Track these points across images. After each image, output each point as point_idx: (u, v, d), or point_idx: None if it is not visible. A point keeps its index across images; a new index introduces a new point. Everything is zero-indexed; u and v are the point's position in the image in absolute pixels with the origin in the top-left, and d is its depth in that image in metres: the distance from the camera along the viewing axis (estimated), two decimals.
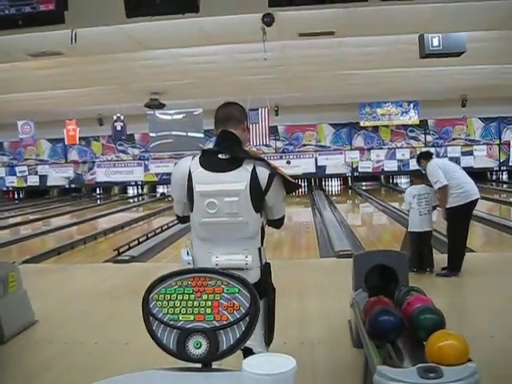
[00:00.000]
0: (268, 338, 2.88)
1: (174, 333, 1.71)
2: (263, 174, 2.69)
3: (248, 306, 1.68)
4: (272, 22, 7.42)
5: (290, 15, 7.50)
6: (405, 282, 4.41)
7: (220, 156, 2.72)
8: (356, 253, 5.60)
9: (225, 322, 1.67)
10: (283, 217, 2.93)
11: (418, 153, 8.64)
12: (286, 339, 4.65)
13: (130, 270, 7.97)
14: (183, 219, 2.94)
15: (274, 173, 2.71)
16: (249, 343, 2.73)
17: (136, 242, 10.62)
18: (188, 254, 2.78)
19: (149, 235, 11.60)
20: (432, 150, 21.83)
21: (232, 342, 1.66)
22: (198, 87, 14.92)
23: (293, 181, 2.82)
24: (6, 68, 11.28)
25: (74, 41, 6.73)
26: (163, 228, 12.32)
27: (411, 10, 7.35)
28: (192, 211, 2.78)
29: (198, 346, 1.66)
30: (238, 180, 2.66)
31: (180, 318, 1.71)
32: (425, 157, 7.23)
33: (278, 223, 2.94)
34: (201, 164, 2.74)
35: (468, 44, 9.09)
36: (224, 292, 1.74)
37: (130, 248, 10.04)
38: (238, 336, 1.66)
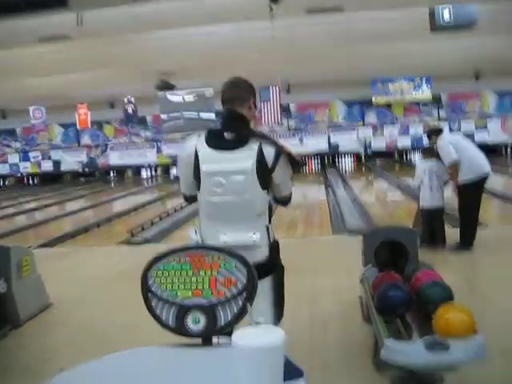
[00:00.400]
0: (278, 315, 2.87)
1: (173, 309, 1.72)
2: (269, 151, 2.68)
3: (245, 281, 1.69)
4: None
5: None
6: (414, 257, 4.39)
7: (225, 135, 2.70)
8: (366, 229, 5.60)
9: (222, 298, 1.68)
10: (290, 194, 2.92)
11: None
12: (298, 316, 4.67)
13: (143, 251, 8.02)
14: (190, 198, 2.95)
15: (280, 151, 2.70)
16: (259, 319, 2.77)
17: (149, 224, 10.69)
18: (196, 233, 2.78)
19: (162, 216, 11.69)
20: (445, 124, 21.62)
21: (230, 318, 1.67)
22: (207, 67, 14.87)
23: (298, 159, 2.81)
24: (15, 54, 11.32)
25: (80, 23, 6.72)
26: (176, 209, 12.37)
27: None
28: (199, 190, 2.78)
29: (196, 322, 1.67)
30: (244, 158, 2.65)
31: (178, 294, 1.72)
32: (435, 133, 7.13)
33: (285, 200, 2.94)
34: (207, 143, 2.73)
35: (479, 16, 8.94)
36: (221, 267, 1.75)
37: (143, 230, 10.12)
38: (236, 311, 1.67)
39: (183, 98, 19.01)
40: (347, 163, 24.01)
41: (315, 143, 23.01)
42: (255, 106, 2.92)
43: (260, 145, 2.67)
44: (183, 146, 2.82)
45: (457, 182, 6.75)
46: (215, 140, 2.72)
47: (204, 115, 18.59)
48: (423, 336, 2.93)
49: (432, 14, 9.00)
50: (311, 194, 15.96)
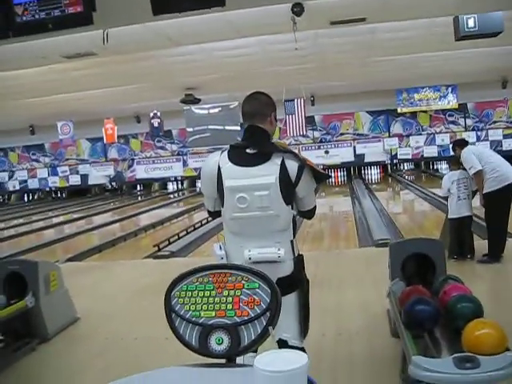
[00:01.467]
0: (303, 330, 2.86)
1: (196, 329, 1.71)
2: (292, 166, 2.68)
3: (269, 300, 1.68)
4: (302, 11, 7.36)
5: (319, 4, 7.42)
6: (442, 270, 4.32)
7: (248, 150, 2.71)
8: (392, 241, 5.53)
9: (246, 318, 1.67)
10: (314, 207, 2.92)
11: (457, 137, 8.44)
12: (324, 330, 4.64)
13: (170, 265, 8.06)
14: (214, 214, 2.96)
15: (304, 164, 2.70)
16: (284, 335, 2.77)
17: (176, 238, 10.72)
18: (221, 248, 2.79)
19: (189, 230, 11.73)
20: (472, 134, 21.36)
21: (253, 337, 1.65)
22: (232, 80, 14.95)
23: (322, 171, 2.83)
24: (43, 71, 11.51)
25: (106, 41, 6.80)
26: (203, 222, 12.40)
27: None
28: (223, 206, 2.78)
29: (219, 342, 1.66)
30: (267, 173, 2.65)
31: (201, 315, 1.71)
32: (459, 144, 7.13)
33: (309, 214, 2.94)
34: (229, 159, 2.73)
35: (505, 23, 8.83)
36: (244, 288, 1.74)
37: (169, 243, 10.16)
38: (260, 331, 1.65)
39: (208, 111, 19.10)
40: (373, 174, 23.98)
41: (341, 154, 22.98)
42: (276, 120, 2.93)
43: (283, 159, 2.67)
44: (206, 162, 2.84)
45: (482, 191, 6.69)
46: (238, 156, 2.73)
47: (229, 128, 18.64)
48: (452, 352, 2.87)
49: (456, 23, 8.90)
50: (337, 205, 15.88)
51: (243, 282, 1.76)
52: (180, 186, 25.51)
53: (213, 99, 18.02)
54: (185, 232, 11.43)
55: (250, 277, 1.76)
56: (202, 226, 12.26)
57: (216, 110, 19.04)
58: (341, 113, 22.71)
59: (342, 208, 14.97)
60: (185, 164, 24.46)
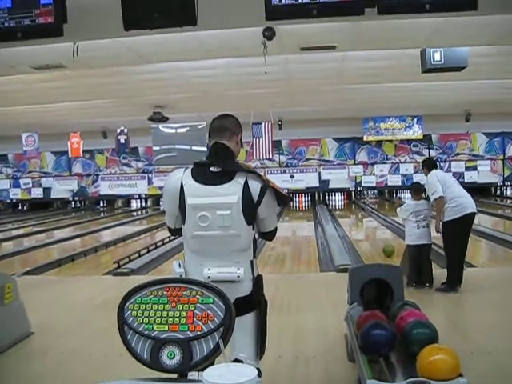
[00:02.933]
0: (260, 351, 2.86)
1: (148, 343, 1.69)
2: (255, 186, 2.71)
3: (223, 316, 1.66)
4: (273, 35, 7.45)
5: (291, 29, 7.52)
6: (400, 296, 4.36)
7: (212, 169, 2.73)
8: (351, 266, 5.56)
9: (199, 333, 1.66)
10: (275, 229, 2.95)
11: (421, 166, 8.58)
12: (281, 353, 4.62)
13: (128, 282, 7.89)
14: (175, 232, 2.95)
15: (266, 185, 2.73)
16: (240, 355, 2.76)
17: (137, 255, 10.61)
18: (180, 266, 2.78)
19: (150, 248, 11.61)
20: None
21: (206, 353, 1.64)
22: (200, 100, 14.96)
23: (284, 193, 2.84)
24: (11, 81, 11.37)
25: (75, 54, 6.76)
26: (165, 241, 12.30)
27: (413, 24, 7.35)
28: (184, 224, 2.77)
29: (171, 356, 1.64)
30: (230, 193, 2.67)
31: (154, 328, 1.70)
32: (427, 165, 7.25)
33: (270, 235, 2.97)
34: (193, 176, 2.75)
35: (470, 59, 9.09)
36: (199, 302, 1.75)
37: (130, 261, 10.03)
38: (212, 346, 1.64)
39: (176, 131, 19.06)
40: (337, 200, 24.12)
41: (306, 179, 23.25)
42: (241, 143, 3.00)
43: (246, 179, 2.70)
44: (169, 178, 2.84)
45: (440, 218, 6.80)
46: (201, 174, 2.75)
47: (196, 148, 18.61)
48: (407, 377, 2.90)
49: (423, 56, 9.13)
50: (300, 230, 15.93)
51: (198, 296, 1.77)
52: (144, 203, 25.24)
53: (181, 118, 18.01)
54: (146, 250, 11.30)
55: (204, 292, 1.76)
56: (163, 244, 12.16)
57: (183, 130, 19.00)
58: (308, 138, 23.02)
59: (305, 233, 15.01)
60: (150, 182, 24.30)
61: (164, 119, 17.10)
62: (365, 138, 22.37)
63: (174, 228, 2.94)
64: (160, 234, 14.48)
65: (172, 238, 12.14)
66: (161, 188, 22.52)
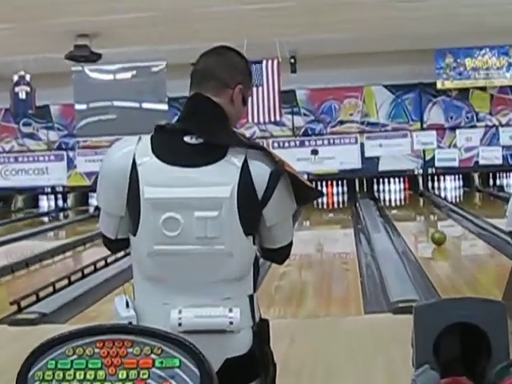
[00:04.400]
0: None
1: None
2: (261, 171, 1.76)
3: None
4: None
5: None
6: (503, 351, 3.49)
7: (187, 139, 1.76)
8: (418, 303, 4.43)
9: None
10: (290, 244, 1.96)
11: None
12: None
13: (37, 335, 6.01)
14: (116, 245, 1.96)
15: (280, 170, 1.78)
16: None
17: (50, 290, 7.31)
18: (128, 306, 1.80)
19: (72, 278, 7.99)
20: None
21: None
22: (157, 25, 9.79)
23: (310, 185, 1.90)
24: None
25: None
26: (97, 266, 8.60)
27: None
28: (136, 233, 1.82)
29: None
30: (218, 181, 1.74)
31: None
32: None
33: (280, 255, 1.97)
34: (154, 151, 1.78)
35: None
36: (155, 366, 1.32)
37: (38, 300, 7.60)
38: None
39: (114, 77, 12.76)
40: (393, 191, 16.28)
41: (339, 157, 15.26)
42: (244, 101, 1.91)
43: (245, 159, 1.77)
44: (110, 154, 1.89)
45: None
46: (170, 146, 1.81)
47: (150, 105, 12.57)
48: None
49: None
50: (330, 243, 11.19)
51: (153, 355, 1.33)
52: (61, 202, 16.96)
53: (122, 56, 12.01)
54: (66, 281, 7.78)
55: (165, 347, 1.35)
56: (95, 270, 8.52)
57: (127, 75, 12.68)
58: (340, 86, 15.05)
59: (339, 247, 10.52)
60: (70, 165, 16.12)
61: (94, 57, 11.44)
62: (438, 85, 14.51)
63: (115, 239, 1.92)
64: (89, 253, 10.36)
65: (110, 260, 8.47)
66: (89, 175, 15.35)
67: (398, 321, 5.28)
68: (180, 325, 1.72)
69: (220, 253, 1.76)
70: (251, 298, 1.86)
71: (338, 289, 7.48)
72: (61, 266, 9.41)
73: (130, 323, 1.73)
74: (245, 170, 1.74)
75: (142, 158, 1.75)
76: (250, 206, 1.76)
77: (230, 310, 1.75)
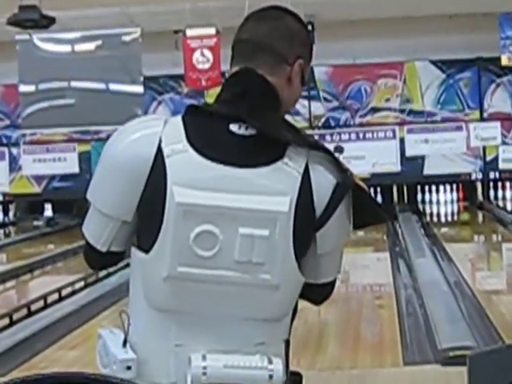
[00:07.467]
0: None
1: None
2: (325, 181, 1.44)
3: None
4: None
5: None
6: None
7: (233, 128, 1.42)
8: (475, 351, 3.41)
9: None
10: (335, 280, 1.62)
11: None
12: None
13: None
14: (103, 260, 1.56)
15: (349, 182, 1.45)
16: None
17: None
18: (125, 344, 1.40)
19: (14, 316, 6.48)
20: None
21: None
22: None
23: (380, 204, 1.58)
24: None
25: None
26: (48, 300, 6.82)
27: None
28: (150, 248, 1.43)
29: None
30: (274, 190, 1.43)
31: None
32: None
33: (321, 293, 1.62)
34: (189, 138, 1.42)
35: None
36: None
37: None
38: None
39: (72, 48, 10.31)
40: (443, 203, 13.22)
41: (371, 156, 12.28)
42: (304, 79, 1.53)
43: (307, 164, 1.42)
44: (122, 134, 1.47)
45: None
46: (210, 136, 1.44)
47: (120, 87, 10.12)
48: None
49: None
50: (360, 270, 9.25)
51: None
52: (1, 216, 13.80)
53: (84, 20, 9.86)
54: (7, 320, 6.25)
55: None
56: (46, 307, 6.73)
57: (90, 46, 10.19)
58: (373, 62, 11.99)
59: (371, 277, 8.90)
60: (14, 167, 13.09)
61: (45, 22, 8.29)
62: (504, 61, 11.24)
63: (106, 251, 1.51)
64: (39, 282, 8.18)
65: (68, 290, 7.04)
66: (38, 179, 12.77)
67: (448, 374, 4.47)
68: (205, 374, 1.38)
69: (264, 284, 1.45)
70: (287, 343, 1.54)
71: (368, 332, 6.27)
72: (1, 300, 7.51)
73: (129, 368, 1.37)
74: (305, 178, 1.43)
75: (171, 146, 1.39)
76: (306, 226, 1.43)
77: (270, 361, 1.41)
